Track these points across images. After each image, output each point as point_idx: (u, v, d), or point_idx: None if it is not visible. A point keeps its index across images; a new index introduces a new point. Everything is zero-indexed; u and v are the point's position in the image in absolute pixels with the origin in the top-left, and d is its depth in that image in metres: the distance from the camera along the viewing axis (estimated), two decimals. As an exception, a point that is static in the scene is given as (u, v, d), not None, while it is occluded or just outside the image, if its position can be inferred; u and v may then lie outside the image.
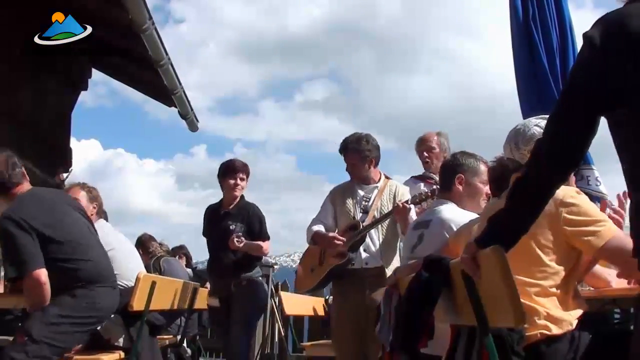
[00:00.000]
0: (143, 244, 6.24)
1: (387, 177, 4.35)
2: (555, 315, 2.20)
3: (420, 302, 2.31)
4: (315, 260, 4.26)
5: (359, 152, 4.24)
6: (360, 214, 4.22)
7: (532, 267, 2.24)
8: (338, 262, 4.09)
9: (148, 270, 6.00)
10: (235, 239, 4.57)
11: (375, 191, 4.28)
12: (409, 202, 3.97)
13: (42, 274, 3.14)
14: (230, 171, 4.73)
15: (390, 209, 4.17)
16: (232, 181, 4.71)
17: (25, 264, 3.14)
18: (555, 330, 2.18)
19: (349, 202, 4.26)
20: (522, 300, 2.17)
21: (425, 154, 4.58)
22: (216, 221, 4.75)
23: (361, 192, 4.29)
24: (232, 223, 4.69)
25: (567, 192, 2.28)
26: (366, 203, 4.26)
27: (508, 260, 2.12)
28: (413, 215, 4.00)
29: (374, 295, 4.04)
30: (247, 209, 4.75)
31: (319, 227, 4.27)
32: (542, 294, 2.23)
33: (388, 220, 4.18)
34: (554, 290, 2.24)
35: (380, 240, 4.18)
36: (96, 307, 3.30)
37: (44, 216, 3.27)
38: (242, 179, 4.75)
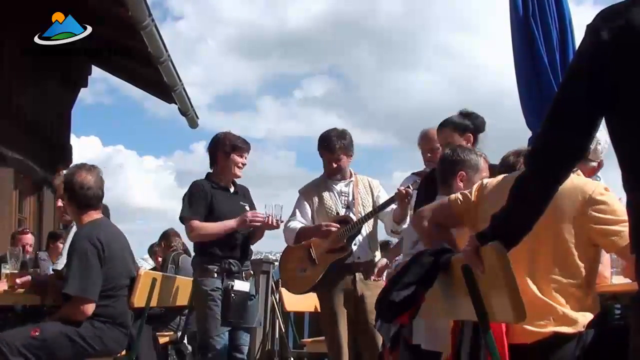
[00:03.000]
0: (167, 238, 6.33)
1: (354, 172, 4.36)
2: (570, 315, 2.18)
3: (416, 278, 2.27)
4: (304, 261, 4.17)
5: (346, 148, 4.25)
6: (344, 210, 4.20)
7: (556, 263, 2.23)
8: (340, 256, 4.06)
9: (165, 263, 6.05)
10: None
11: (351, 185, 4.28)
12: (412, 187, 3.93)
13: (91, 308, 3.33)
14: (239, 148, 4.18)
15: (370, 202, 4.22)
16: (239, 158, 4.17)
17: (84, 290, 3.32)
18: (568, 330, 2.17)
19: (327, 199, 4.24)
20: (540, 296, 2.18)
21: (429, 154, 4.28)
22: (225, 200, 4.18)
23: (337, 188, 4.27)
24: (244, 204, 4.23)
25: (596, 189, 2.26)
26: (346, 198, 4.24)
27: (534, 255, 2.14)
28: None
29: (364, 288, 4.08)
30: (247, 192, 4.37)
31: (302, 224, 4.22)
32: (562, 290, 2.21)
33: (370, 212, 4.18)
34: (573, 289, 2.22)
35: (367, 231, 4.20)
36: (103, 342, 3.39)
37: (111, 248, 3.47)
38: (246, 158, 4.24)
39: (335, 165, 4.23)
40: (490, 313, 2.06)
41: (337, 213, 4.19)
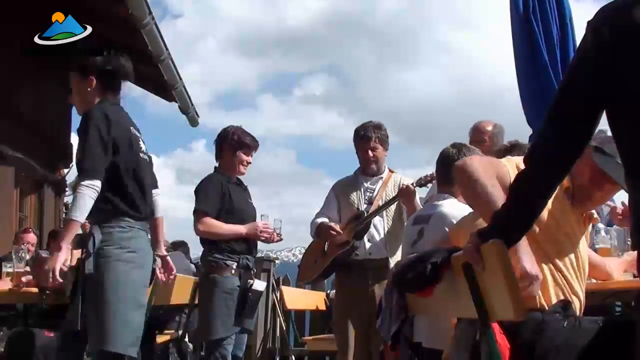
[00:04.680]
0: None
1: (390, 170, 4.33)
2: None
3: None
4: (319, 252, 4.22)
5: (382, 139, 4.23)
6: (365, 205, 4.19)
7: None
8: (341, 250, 4.05)
9: None
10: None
11: (380, 182, 4.25)
12: (414, 185, 3.97)
13: None
14: (247, 146, 4.11)
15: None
16: (245, 157, 4.10)
17: None
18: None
19: (354, 194, 4.23)
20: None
21: (474, 145, 4.00)
22: (240, 195, 4.12)
23: (366, 184, 4.25)
24: (250, 201, 4.21)
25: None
26: (370, 194, 4.22)
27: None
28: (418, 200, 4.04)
29: (377, 287, 4.03)
30: (247, 187, 4.29)
31: (323, 219, 4.22)
32: None
33: (394, 210, 4.17)
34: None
35: (386, 230, 4.15)
36: None
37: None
38: (251, 157, 4.17)
39: (371, 154, 4.20)
40: (491, 311, 2.06)
41: (358, 208, 4.18)
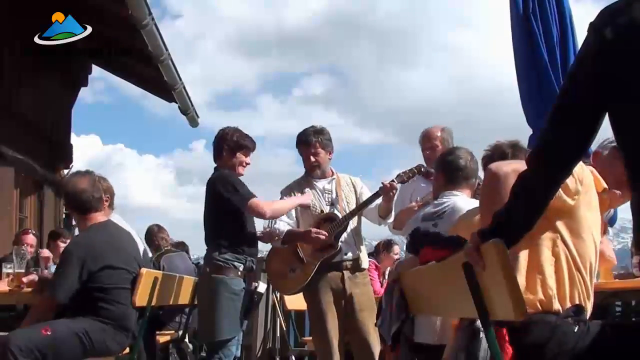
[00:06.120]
0: (149, 238, 6.16)
1: (335, 171, 4.35)
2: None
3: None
4: (291, 260, 4.09)
5: (324, 143, 4.23)
6: (328, 207, 4.18)
7: None
8: (329, 254, 4.01)
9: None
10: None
11: (334, 183, 4.26)
12: (396, 181, 3.99)
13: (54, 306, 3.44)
14: (246, 147, 4.13)
15: (353, 199, 4.21)
16: (244, 157, 4.12)
17: (53, 291, 3.42)
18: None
19: (311, 197, 4.20)
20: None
21: (427, 152, 4.36)
22: None
23: (320, 186, 4.25)
24: None
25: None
26: (329, 195, 4.22)
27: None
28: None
29: (352, 286, 4.05)
30: None
31: (288, 227, 4.15)
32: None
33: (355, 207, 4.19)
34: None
35: (352, 229, 4.17)
36: (106, 342, 3.44)
37: (106, 256, 3.51)
38: (250, 157, 4.19)
39: (313, 160, 4.20)
40: (491, 310, 2.06)
41: (322, 211, 4.16)
